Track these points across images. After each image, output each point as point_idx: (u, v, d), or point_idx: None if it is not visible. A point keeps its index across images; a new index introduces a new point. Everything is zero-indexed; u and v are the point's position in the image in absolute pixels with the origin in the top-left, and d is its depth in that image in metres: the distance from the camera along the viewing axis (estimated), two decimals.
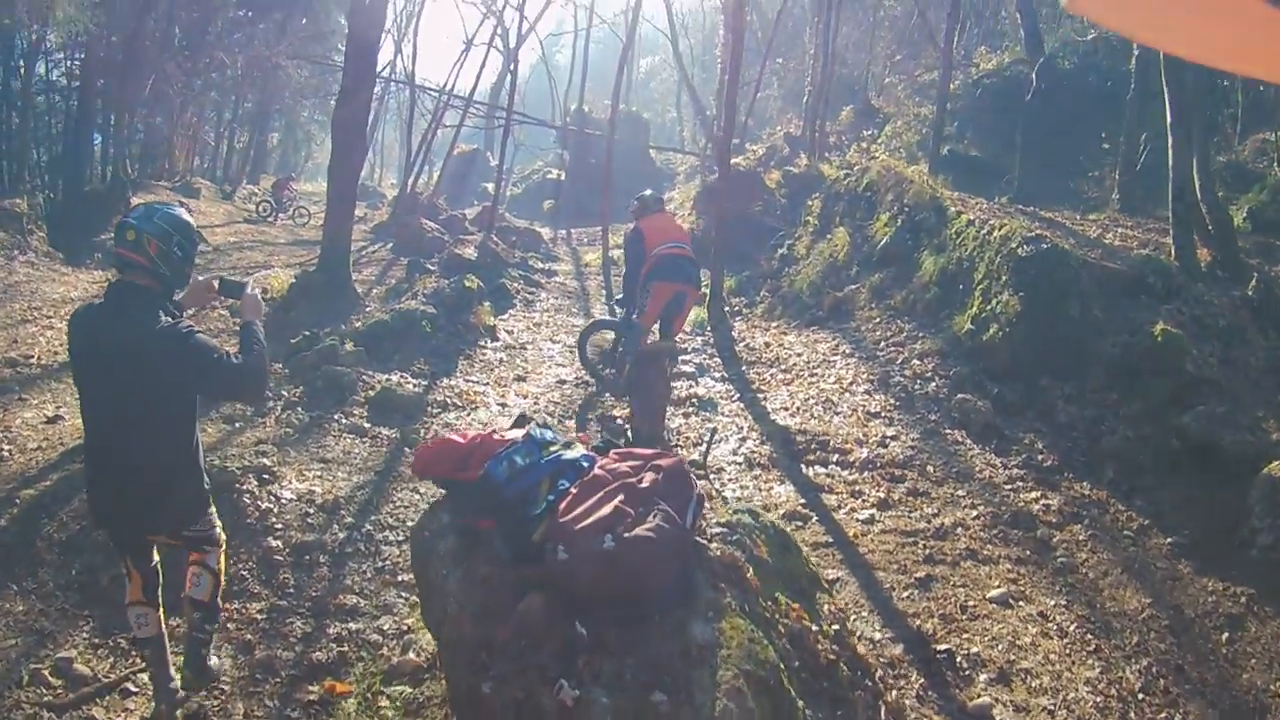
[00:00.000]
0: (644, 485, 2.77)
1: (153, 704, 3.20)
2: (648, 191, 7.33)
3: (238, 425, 6.15)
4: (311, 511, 4.78)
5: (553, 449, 3.09)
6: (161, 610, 3.13)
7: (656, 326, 6.68)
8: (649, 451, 3.14)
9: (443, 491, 3.32)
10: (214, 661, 3.35)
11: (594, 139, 22.22)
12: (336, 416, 6.40)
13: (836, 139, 17.49)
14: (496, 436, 3.17)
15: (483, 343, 9.02)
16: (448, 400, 7.30)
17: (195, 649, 3.20)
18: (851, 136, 17.31)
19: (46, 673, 3.49)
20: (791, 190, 14.29)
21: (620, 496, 2.72)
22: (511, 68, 19.40)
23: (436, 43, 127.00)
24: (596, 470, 2.94)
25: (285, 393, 6.75)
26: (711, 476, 5.77)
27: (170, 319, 2.78)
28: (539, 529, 2.77)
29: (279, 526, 4.58)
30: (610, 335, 7.79)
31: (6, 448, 5.51)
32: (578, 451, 3.11)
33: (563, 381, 8.35)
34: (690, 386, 8.00)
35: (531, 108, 30.19)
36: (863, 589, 4.48)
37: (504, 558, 2.83)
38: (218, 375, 2.77)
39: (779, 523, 3.51)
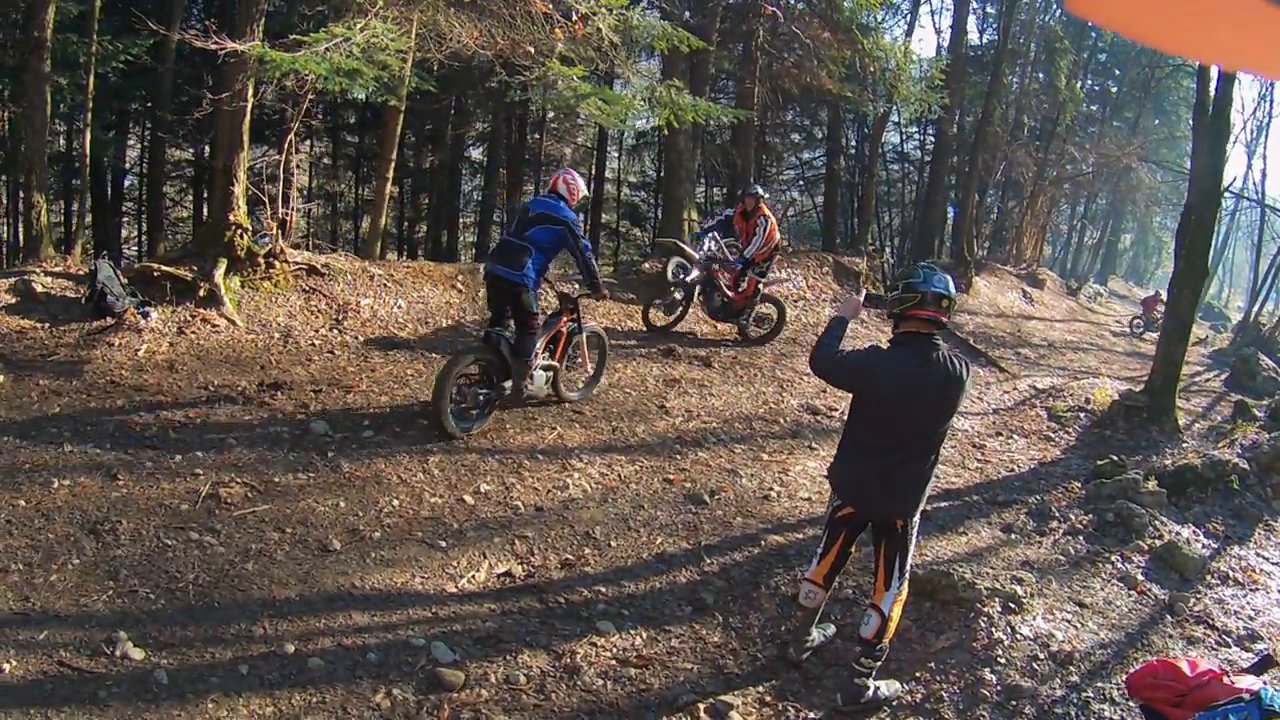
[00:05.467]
0: None
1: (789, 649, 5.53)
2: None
3: (1013, 537, 7.62)
4: (1041, 657, 5.61)
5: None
6: (827, 592, 5.39)
7: None
8: None
9: None
10: (872, 692, 5.12)
11: None
12: (1114, 558, 7.26)
13: None
14: (1227, 681, 3.62)
15: None
16: (1229, 572, 7.49)
17: (850, 679, 5.14)
18: None
19: (701, 709, 5.02)
20: None
21: None
22: None
23: None
24: None
25: (1072, 517, 7.95)
26: None
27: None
28: None
29: (1001, 661, 5.53)
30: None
31: (776, 489, 8.06)
32: None
33: None
34: None
35: None
36: None
37: None
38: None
39: None
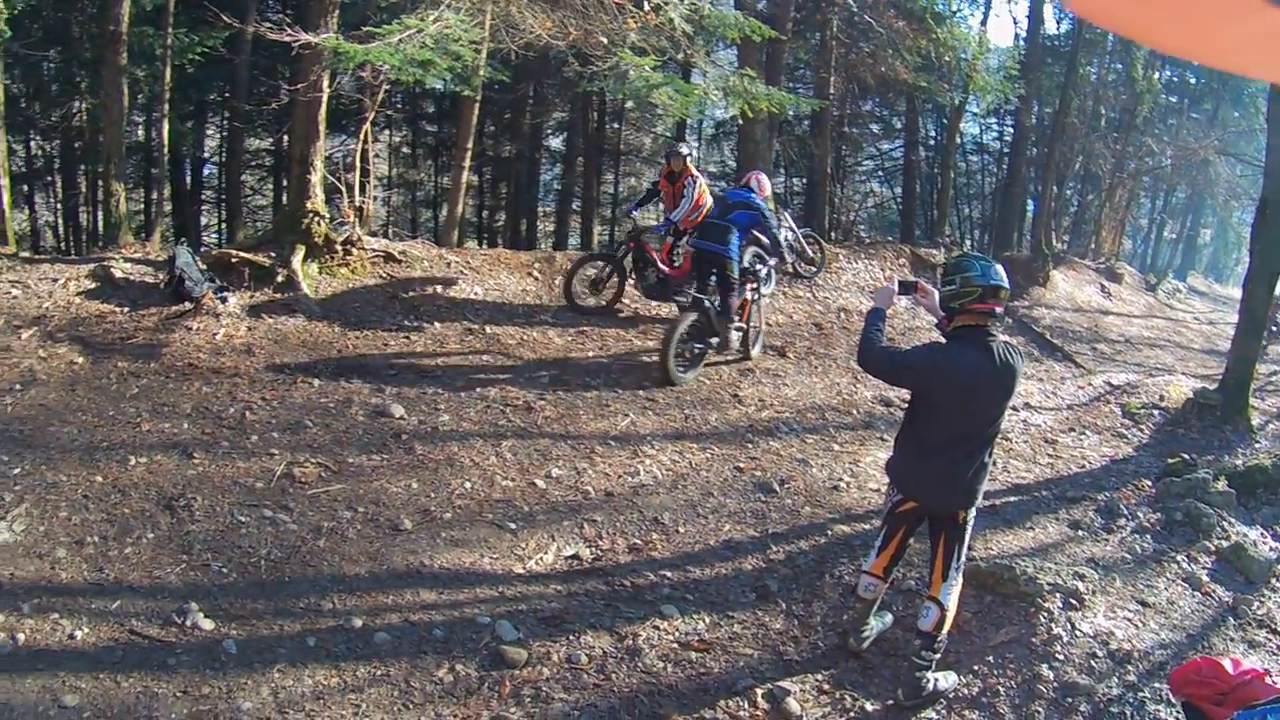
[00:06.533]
0: None
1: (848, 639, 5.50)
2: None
3: (1080, 533, 7.52)
4: (1099, 654, 5.55)
5: None
6: (886, 584, 5.39)
7: None
8: None
9: None
10: (931, 685, 5.10)
11: None
12: (1180, 558, 7.17)
13: None
14: (1269, 681, 3.60)
15: None
16: None
17: (911, 671, 5.10)
18: None
19: (759, 694, 5.08)
20: None
21: None
22: None
23: None
24: None
25: (1141, 515, 7.84)
26: None
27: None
28: None
29: (1059, 658, 5.46)
30: None
31: (846, 480, 8.03)
32: None
33: None
34: None
35: None
36: None
37: None
38: None
39: None
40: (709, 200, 11.67)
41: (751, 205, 10.07)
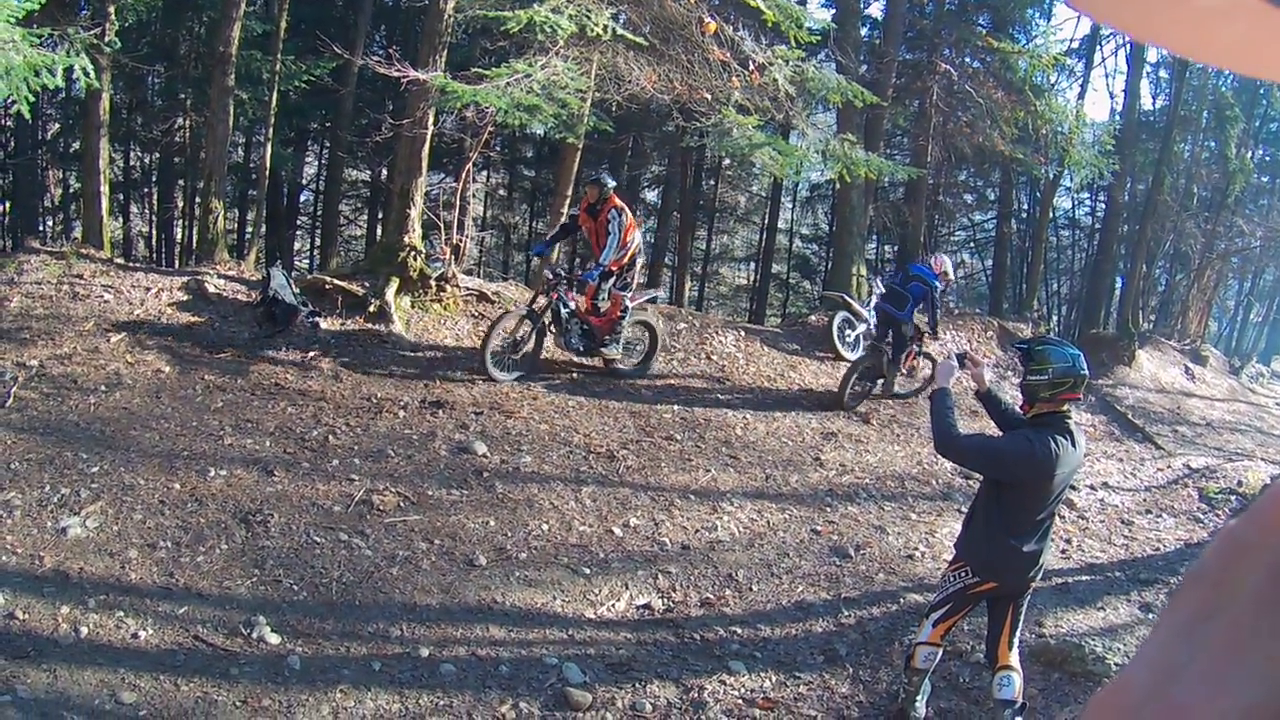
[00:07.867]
0: None
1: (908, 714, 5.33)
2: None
3: (1150, 616, 7.32)
4: None
5: None
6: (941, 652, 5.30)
7: None
8: None
9: None
10: None
11: None
12: None
13: None
14: None
15: None
16: None
17: None
18: None
19: None
20: None
21: None
22: None
23: None
24: None
25: None
26: None
27: None
28: None
29: None
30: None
31: (921, 549, 7.90)
32: None
33: None
34: None
35: None
36: None
37: None
38: None
39: None
40: (637, 236, 10.67)
41: (926, 281, 11.25)
